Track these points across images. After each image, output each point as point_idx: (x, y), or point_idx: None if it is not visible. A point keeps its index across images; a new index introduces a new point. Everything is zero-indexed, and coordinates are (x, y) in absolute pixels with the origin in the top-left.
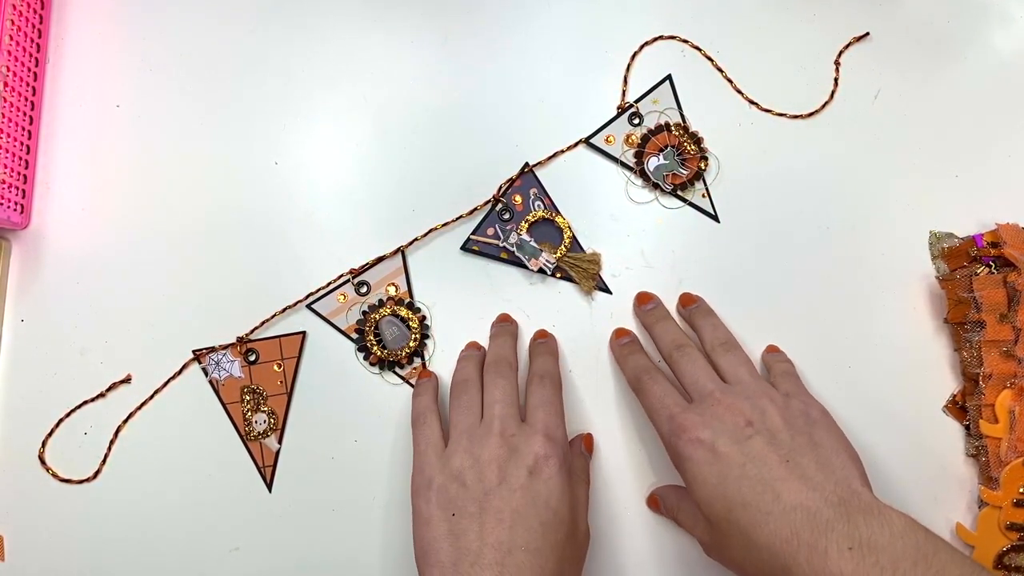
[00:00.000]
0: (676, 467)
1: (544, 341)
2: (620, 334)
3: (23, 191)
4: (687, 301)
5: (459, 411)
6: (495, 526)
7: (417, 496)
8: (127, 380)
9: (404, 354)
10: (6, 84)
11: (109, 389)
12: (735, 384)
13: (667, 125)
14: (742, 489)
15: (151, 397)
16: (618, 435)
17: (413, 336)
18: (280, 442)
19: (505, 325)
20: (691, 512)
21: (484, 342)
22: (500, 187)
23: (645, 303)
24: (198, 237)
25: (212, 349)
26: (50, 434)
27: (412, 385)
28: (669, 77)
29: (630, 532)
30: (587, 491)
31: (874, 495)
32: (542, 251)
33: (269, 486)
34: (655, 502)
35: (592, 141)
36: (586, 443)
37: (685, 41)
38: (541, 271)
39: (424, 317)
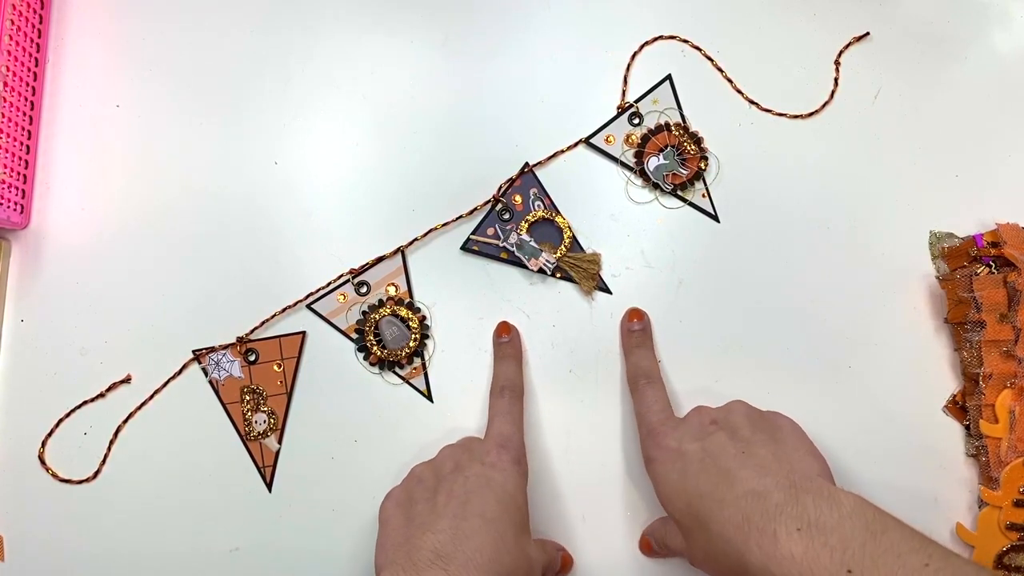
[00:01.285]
0: (647, 473)
1: (508, 340)
2: (633, 316)
3: (23, 191)
4: (638, 315)
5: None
6: (447, 500)
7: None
8: (127, 380)
9: (404, 354)
10: (6, 84)
11: (109, 389)
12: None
13: (667, 125)
14: (699, 480)
15: (151, 397)
16: (618, 436)
17: (413, 336)
18: (280, 442)
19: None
20: (674, 531)
21: (484, 343)
22: (500, 187)
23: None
24: (198, 237)
25: (212, 349)
26: (50, 434)
27: (412, 385)
28: (669, 77)
29: (631, 537)
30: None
31: (831, 485)
32: (542, 251)
33: (269, 486)
34: (647, 544)
35: (592, 141)
36: (564, 559)
37: (685, 41)
38: (541, 271)
39: (424, 317)
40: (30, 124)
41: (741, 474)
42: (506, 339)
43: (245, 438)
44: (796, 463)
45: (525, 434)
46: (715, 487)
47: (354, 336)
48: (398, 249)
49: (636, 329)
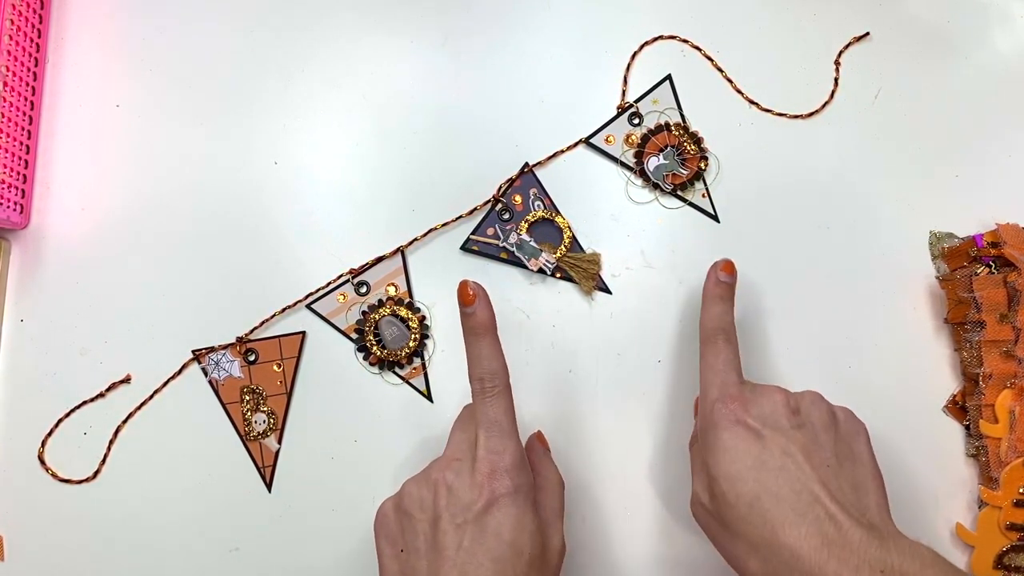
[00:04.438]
0: (705, 435)
1: (472, 311)
2: (726, 267)
3: (23, 191)
4: (729, 268)
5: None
6: (440, 565)
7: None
8: (127, 380)
9: (404, 354)
10: (6, 84)
11: (109, 389)
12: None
13: (667, 125)
14: (779, 481)
15: (151, 397)
16: (618, 438)
17: (413, 336)
18: (280, 442)
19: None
20: (701, 465)
21: None
22: (500, 187)
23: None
24: (198, 237)
25: (212, 349)
26: (50, 434)
27: (412, 385)
28: (669, 77)
29: (630, 537)
30: (562, 495)
31: (898, 528)
32: (542, 251)
33: (269, 486)
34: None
35: (592, 141)
36: (540, 440)
37: (685, 41)
38: (541, 271)
39: (424, 317)
40: (30, 124)
41: (824, 494)
42: (471, 308)
43: (245, 438)
44: (871, 494)
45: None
46: (795, 496)
47: (354, 336)
48: (398, 249)
49: (725, 280)
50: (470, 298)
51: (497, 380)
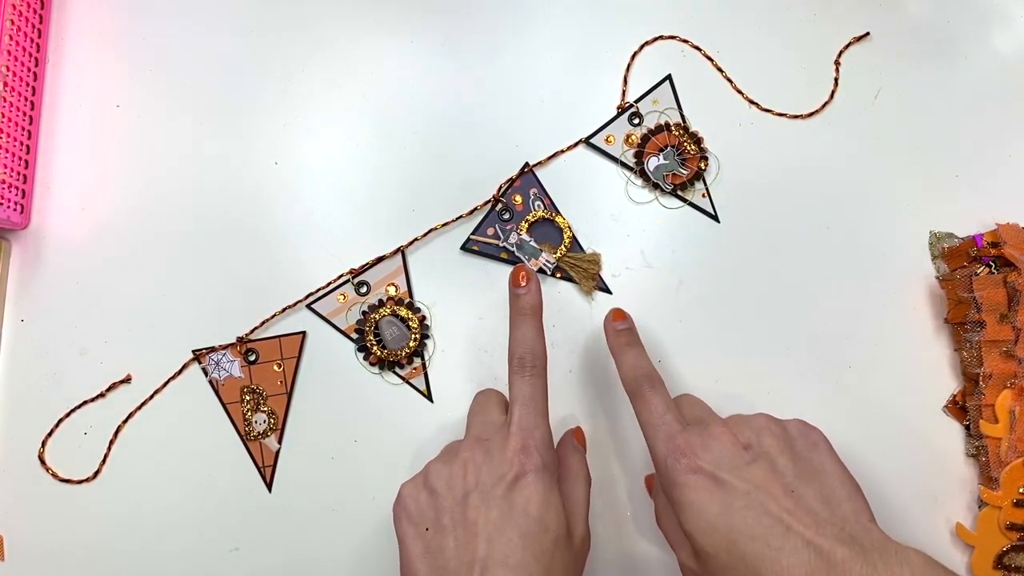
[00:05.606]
0: (668, 493)
1: (525, 291)
2: (617, 316)
3: (23, 191)
4: (620, 315)
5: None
6: (470, 540)
7: (394, 518)
8: (127, 380)
9: (404, 354)
10: (6, 84)
11: (109, 389)
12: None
13: (667, 125)
14: (747, 520)
15: (151, 397)
16: (618, 438)
17: (413, 336)
18: (280, 442)
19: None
20: (676, 529)
21: (485, 343)
22: (500, 187)
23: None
24: (198, 237)
25: (212, 349)
26: (50, 434)
27: (412, 385)
28: (669, 77)
29: (630, 539)
30: (587, 490)
31: (882, 531)
32: (542, 251)
33: (269, 486)
34: (650, 482)
35: (592, 141)
36: (577, 437)
37: (685, 41)
38: (541, 271)
39: (424, 317)
40: (30, 124)
41: (795, 519)
42: (523, 289)
43: (245, 438)
44: (844, 502)
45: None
46: (767, 531)
47: (354, 336)
48: (398, 249)
49: (622, 328)
50: (523, 280)
51: (538, 361)
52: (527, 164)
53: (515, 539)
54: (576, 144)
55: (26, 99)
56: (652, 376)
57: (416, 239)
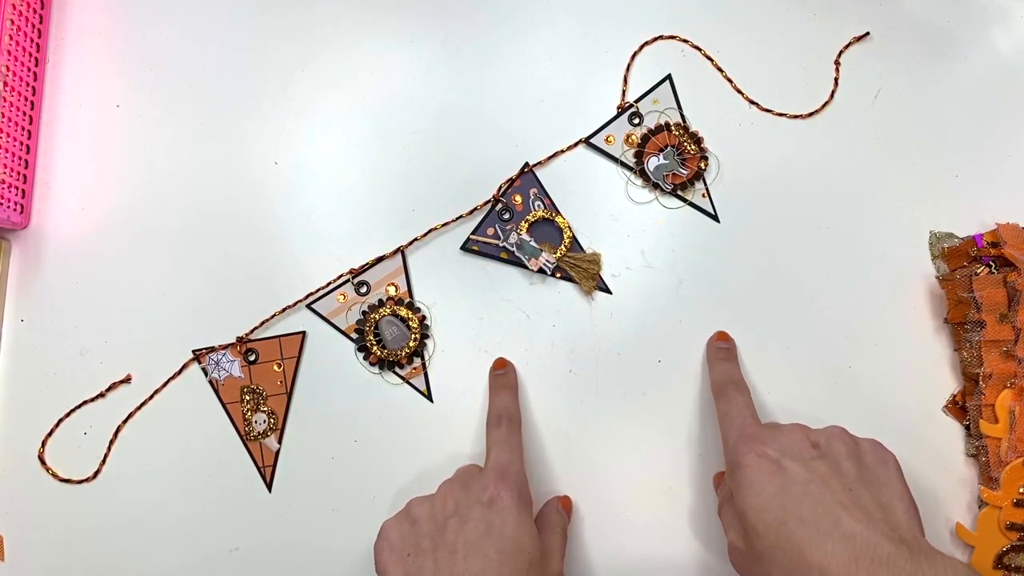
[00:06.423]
0: (731, 475)
1: (503, 373)
2: (721, 337)
3: (23, 191)
4: (724, 337)
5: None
6: (448, 559)
7: (374, 551)
8: (127, 380)
9: (404, 354)
10: (6, 84)
11: (109, 389)
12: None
13: (667, 125)
14: (802, 504)
15: (151, 397)
16: (618, 438)
17: (413, 336)
18: (280, 442)
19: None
20: (732, 515)
21: (484, 343)
22: (500, 187)
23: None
24: (198, 237)
25: (212, 349)
26: (50, 434)
27: (412, 385)
28: (669, 77)
29: (631, 537)
30: (563, 540)
31: (931, 544)
32: (542, 251)
33: (269, 486)
34: (718, 480)
35: (592, 141)
36: (563, 504)
37: (685, 41)
38: (541, 271)
39: (424, 317)
40: (30, 124)
41: (848, 512)
42: (501, 372)
43: (245, 438)
44: (899, 513)
45: (524, 448)
46: (819, 517)
47: (354, 336)
48: (398, 249)
49: (723, 347)
50: (503, 364)
51: (513, 418)
52: (527, 164)
53: (492, 555)
54: (576, 144)
55: (26, 99)
56: (740, 382)
57: (416, 239)
